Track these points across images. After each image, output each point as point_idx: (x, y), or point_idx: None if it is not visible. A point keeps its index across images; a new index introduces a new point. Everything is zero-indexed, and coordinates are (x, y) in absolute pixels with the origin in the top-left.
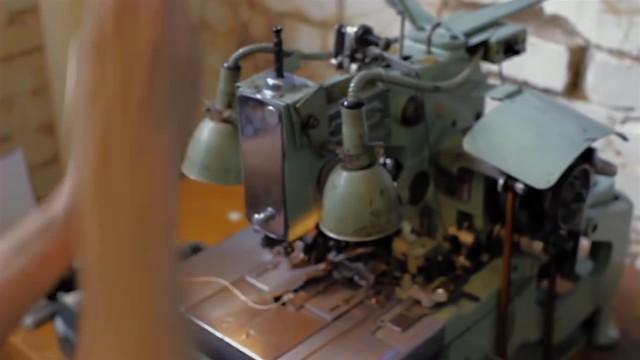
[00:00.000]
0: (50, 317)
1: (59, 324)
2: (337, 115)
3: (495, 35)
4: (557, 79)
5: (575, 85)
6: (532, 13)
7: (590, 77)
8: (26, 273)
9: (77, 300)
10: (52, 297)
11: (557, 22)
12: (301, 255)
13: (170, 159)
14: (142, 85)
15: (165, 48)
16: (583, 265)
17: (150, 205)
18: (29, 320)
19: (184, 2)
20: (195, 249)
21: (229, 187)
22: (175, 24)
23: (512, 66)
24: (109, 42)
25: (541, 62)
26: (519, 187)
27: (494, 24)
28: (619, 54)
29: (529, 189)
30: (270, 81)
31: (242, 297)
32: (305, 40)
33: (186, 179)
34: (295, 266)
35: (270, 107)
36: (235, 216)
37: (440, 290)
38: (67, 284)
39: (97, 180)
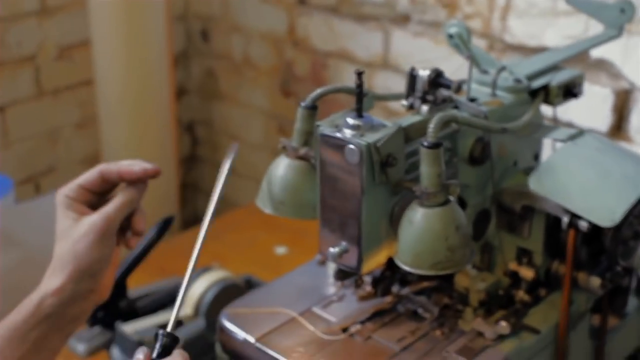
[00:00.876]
0: (105, 346)
1: (116, 353)
2: (412, 154)
3: (556, 79)
4: (602, 120)
5: (619, 127)
6: (579, 57)
7: (635, 119)
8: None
9: (135, 330)
10: (107, 325)
11: (602, 66)
12: (368, 288)
13: None
14: None
15: None
16: (630, 302)
17: None
18: (82, 347)
19: None
20: (248, 282)
21: (275, 222)
22: None
23: (558, 109)
24: None
25: (586, 105)
26: (583, 225)
27: (553, 68)
28: None
29: (592, 227)
30: (351, 121)
31: (311, 328)
32: (349, 80)
33: (232, 211)
34: (362, 298)
35: (352, 146)
36: (281, 250)
37: (503, 323)
38: (125, 313)
39: None
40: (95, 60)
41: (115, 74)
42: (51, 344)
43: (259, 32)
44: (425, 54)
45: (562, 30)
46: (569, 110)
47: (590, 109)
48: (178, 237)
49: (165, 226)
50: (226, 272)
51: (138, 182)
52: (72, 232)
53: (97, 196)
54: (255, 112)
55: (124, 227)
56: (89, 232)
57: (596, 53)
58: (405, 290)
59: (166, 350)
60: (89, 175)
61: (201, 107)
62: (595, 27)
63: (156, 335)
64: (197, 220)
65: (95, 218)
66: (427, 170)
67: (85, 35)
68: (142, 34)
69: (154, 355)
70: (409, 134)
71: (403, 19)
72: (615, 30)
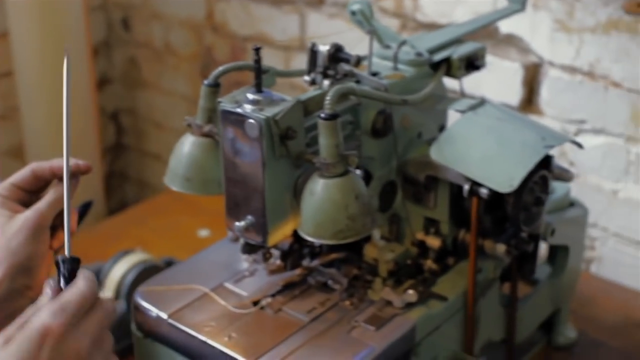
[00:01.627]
0: None
1: None
2: (313, 127)
3: (457, 52)
4: (513, 94)
5: (530, 101)
6: (488, 33)
7: (544, 93)
8: None
9: None
10: None
11: (512, 41)
12: (278, 262)
13: None
14: None
15: None
16: (542, 269)
17: None
18: None
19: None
20: (169, 263)
21: (198, 205)
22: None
23: (470, 83)
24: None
25: (497, 79)
26: (484, 192)
27: (455, 42)
28: (571, 70)
29: (493, 194)
30: (250, 96)
31: (223, 303)
32: (268, 62)
33: (155, 197)
34: (272, 272)
35: (251, 120)
36: (204, 233)
37: (410, 291)
38: None
39: None
40: (13, 51)
41: (34, 65)
42: None
43: (178, 19)
44: (341, 35)
45: (472, 8)
46: (481, 85)
47: (502, 83)
48: (103, 224)
49: (84, 210)
50: (147, 254)
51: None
52: (6, 229)
53: (30, 194)
54: (178, 98)
55: (56, 225)
56: (23, 228)
57: (505, 28)
58: (315, 263)
59: (72, 274)
60: (21, 174)
61: (125, 95)
62: (504, 5)
63: (57, 264)
64: (124, 208)
65: (28, 214)
66: (325, 142)
67: (3, 27)
68: (59, 24)
69: (62, 284)
70: (309, 108)
71: (318, 1)
72: (519, 4)
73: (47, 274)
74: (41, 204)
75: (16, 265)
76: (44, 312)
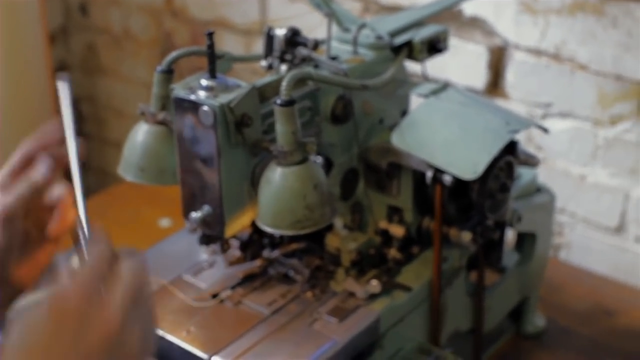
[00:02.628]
0: None
1: None
2: (270, 114)
3: (419, 35)
4: (478, 78)
5: (495, 84)
6: (452, 15)
7: (510, 76)
8: None
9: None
10: None
11: (476, 24)
12: (237, 253)
13: None
14: None
15: (119, 340)
16: (509, 257)
17: None
18: None
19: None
20: None
21: (159, 194)
22: (138, 319)
23: (434, 67)
24: (70, 314)
25: (462, 63)
26: (447, 179)
27: (417, 24)
28: (537, 52)
29: (457, 181)
30: (204, 82)
31: (181, 295)
32: (229, 47)
33: (116, 186)
34: (231, 264)
35: (205, 108)
36: (165, 222)
37: (374, 282)
38: None
39: None
40: None
41: None
42: None
43: (137, 4)
44: (302, 18)
45: None
46: (445, 69)
47: (467, 67)
48: None
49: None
50: None
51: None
52: None
53: None
54: (138, 85)
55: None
56: None
57: (469, 10)
58: (275, 253)
59: None
60: (12, 161)
61: (84, 83)
62: None
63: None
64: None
65: None
66: (281, 129)
67: None
68: (14, 9)
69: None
70: (265, 94)
71: None
72: None
73: (32, 271)
74: (7, 197)
75: None
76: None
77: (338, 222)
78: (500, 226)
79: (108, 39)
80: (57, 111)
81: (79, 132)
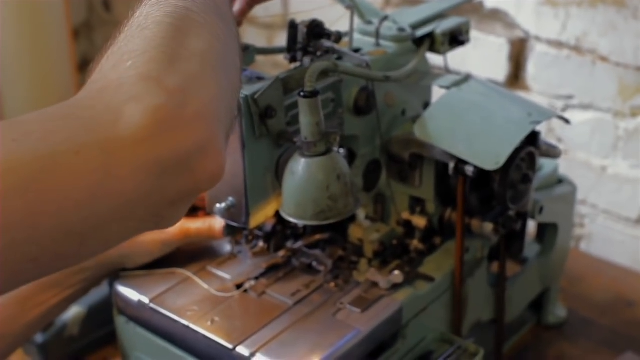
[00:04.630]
0: None
1: None
2: (293, 106)
3: (440, 27)
4: (499, 70)
5: (516, 76)
6: (473, 8)
7: (531, 68)
8: None
9: None
10: None
11: (497, 16)
12: (261, 244)
13: None
14: None
15: None
16: (530, 248)
17: None
18: None
19: None
20: None
21: None
22: None
23: (455, 59)
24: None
25: (483, 55)
26: (469, 169)
27: (438, 17)
28: (558, 44)
29: (479, 172)
30: None
31: (205, 286)
32: (251, 41)
33: None
34: (255, 255)
35: None
36: None
37: (396, 272)
38: None
39: None
40: None
41: (12, 49)
42: None
43: None
44: (324, 11)
45: None
46: (466, 62)
47: (487, 59)
48: None
49: None
50: None
51: None
52: None
53: None
54: None
55: None
56: None
57: (490, 3)
58: (299, 244)
59: None
60: None
61: None
62: None
63: None
64: None
65: None
66: (305, 120)
67: None
68: (39, 6)
69: None
70: (289, 85)
71: None
72: None
73: None
74: None
75: None
76: None
77: (361, 213)
78: (522, 217)
79: None
80: None
81: None
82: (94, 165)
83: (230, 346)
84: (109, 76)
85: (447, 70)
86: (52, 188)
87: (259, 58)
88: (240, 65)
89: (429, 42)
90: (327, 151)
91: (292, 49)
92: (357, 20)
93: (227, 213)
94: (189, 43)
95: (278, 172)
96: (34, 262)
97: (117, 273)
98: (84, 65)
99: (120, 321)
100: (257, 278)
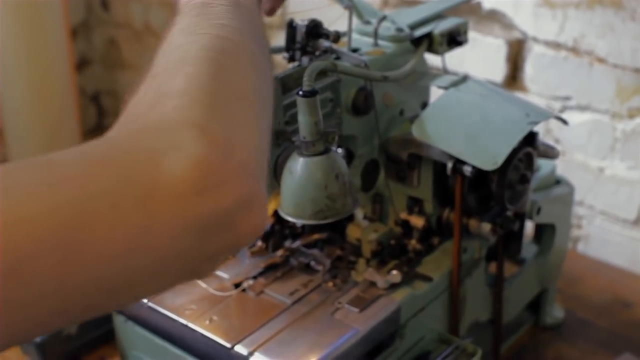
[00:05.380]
0: None
1: None
2: (292, 105)
3: (439, 28)
4: (497, 71)
5: (514, 77)
6: (471, 9)
7: (529, 69)
8: None
9: None
10: None
11: (495, 17)
12: (259, 243)
13: None
14: None
15: None
16: (528, 249)
17: None
18: None
19: None
20: None
21: None
22: None
23: (453, 60)
24: None
25: (481, 56)
26: (467, 169)
27: (437, 17)
28: (555, 45)
29: (477, 172)
30: None
31: (203, 285)
32: None
33: None
34: (254, 254)
35: None
36: None
37: (394, 272)
38: None
39: None
40: None
41: (11, 48)
42: None
43: None
44: (322, 11)
45: None
46: (464, 63)
47: (485, 60)
48: None
49: None
50: None
51: None
52: None
53: None
54: None
55: None
56: None
57: (488, 4)
58: (297, 244)
59: None
60: None
61: (105, 77)
62: None
63: None
64: None
65: None
66: (304, 120)
67: None
68: (37, 5)
69: None
70: (287, 85)
71: None
72: None
73: None
74: None
75: None
76: None
77: (359, 213)
78: (520, 217)
79: (129, 34)
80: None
81: (100, 126)
82: (130, 221)
83: (228, 345)
84: (149, 117)
85: (445, 71)
86: (85, 242)
87: None
88: (272, 91)
89: (427, 42)
90: (326, 151)
91: (290, 49)
92: (355, 20)
93: None
94: (231, 82)
95: (276, 172)
96: (62, 314)
97: None
98: (82, 65)
99: (119, 320)
100: (255, 277)
